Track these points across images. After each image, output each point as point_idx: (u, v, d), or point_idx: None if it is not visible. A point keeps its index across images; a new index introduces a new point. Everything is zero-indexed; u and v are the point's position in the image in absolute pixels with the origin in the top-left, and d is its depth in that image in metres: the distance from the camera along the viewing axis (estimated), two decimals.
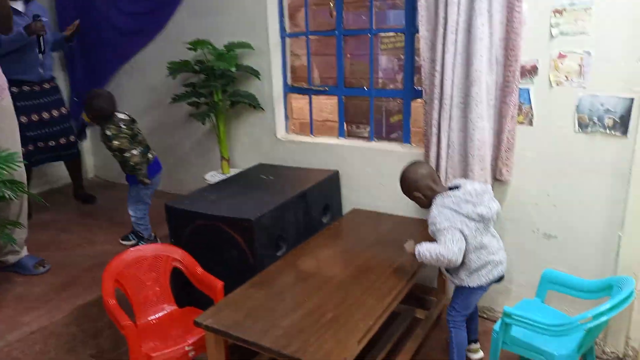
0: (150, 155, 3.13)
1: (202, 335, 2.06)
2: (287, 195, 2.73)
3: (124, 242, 3.25)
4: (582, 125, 2.38)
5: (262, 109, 3.38)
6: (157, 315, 2.41)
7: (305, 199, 2.83)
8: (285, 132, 3.48)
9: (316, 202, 2.93)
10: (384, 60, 5.36)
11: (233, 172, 3.41)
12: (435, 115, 2.64)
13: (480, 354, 2.57)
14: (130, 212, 3.19)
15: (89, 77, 4.27)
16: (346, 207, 3.20)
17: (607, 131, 2.33)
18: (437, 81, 2.59)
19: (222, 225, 2.54)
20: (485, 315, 2.88)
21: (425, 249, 2.12)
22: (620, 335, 2.46)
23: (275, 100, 3.35)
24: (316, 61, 5.49)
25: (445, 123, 2.61)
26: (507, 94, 2.47)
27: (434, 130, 2.66)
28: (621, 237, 2.37)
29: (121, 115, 3.02)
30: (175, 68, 3.29)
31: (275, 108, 3.36)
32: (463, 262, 2.13)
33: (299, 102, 4.09)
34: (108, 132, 2.95)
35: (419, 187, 2.23)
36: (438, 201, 2.15)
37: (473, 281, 2.19)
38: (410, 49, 2.90)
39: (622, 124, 2.29)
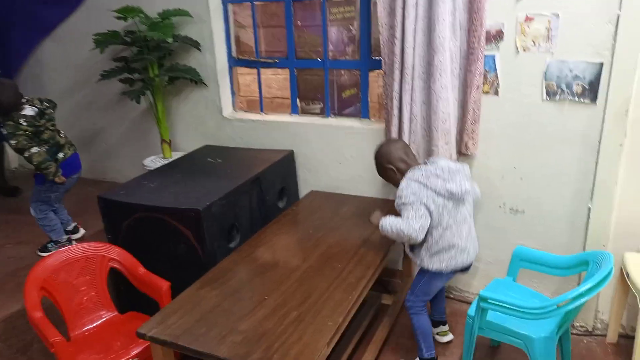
0: (61, 155, 2.74)
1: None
2: (239, 180, 2.47)
3: (42, 254, 2.80)
4: (550, 93, 2.26)
5: (205, 84, 3.06)
6: (94, 324, 2.12)
7: (259, 183, 2.58)
8: (233, 110, 3.19)
9: (271, 185, 2.69)
10: (333, 32, 5.10)
11: (176, 156, 3.10)
12: (396, 86, 2.44)
13: (449, 336, 2.46)
14: (32, 213, 2.79)
15: (1, 56, 3.75)
16: (303, 190, 2.97)
17: (576, 99, 2.21)
18: (397, 49, 2.38)
19: (165, 218, 2.25)
20: (451, 295, 2.78)
21: (387, 223, 2.04)
22: (590, 310, 2.41)
23: (219, 74, 3.03)
24: (261, 34, 5.16)
25: (407, 95, 2.42)
26: (472, 61, 2.30)
27: (395, 103, 2.47)
28: (591, 209, 2.29)
29: (26, 111, 2.60)
30: (103, 40, 2.90)
31: (220, 83, 3.05)
32: (425, 240, 2.03)
33: (245, 78, 3.79)
34: (4, 130, 2.55)
35: (392, 159, 2.12)
36: (408, 174, 2.05)
37: (433, 264, 2.06)
38: (366, 14, 2.67)
39: (591, 91, 2.17)
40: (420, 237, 1.97)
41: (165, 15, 2.81)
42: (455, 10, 2.25)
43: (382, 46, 2.47)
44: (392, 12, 2.38)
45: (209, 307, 1.80)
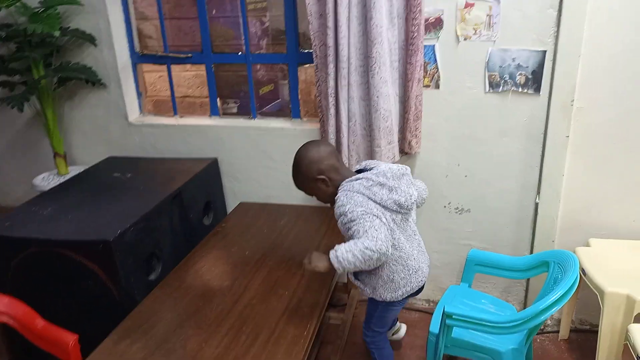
0: None
1: None
2: (156, 198, 2.09)
3: None
4: (493, 85, 2.13)
5: (104, 85, 2.60)
6: None
7: (181, 200, 2.22)
8: (140, 114, 2.76)
9: (194, 201, 2.33)
10: (250, 24, 4.75)
11: (74, 171, 2.62)
12: (331, 82, 2.19)
13: (402, 328, 2.30)
14: None
15: None
16: (231, 202, 2.64)
17: (520, 89, 2.11)
18: (330, 40, 2.13)
19: (66, 253, 1.83)
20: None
21: (343, 251, 1.51)
22: None
23: (121, 72, 2.59)
24: (167, 26, 4.68)
25: (344, 91, 2.18)
26: (412, 52, 2.11)
27: (331, 100, 2.22)
28: (539, 204, 2.21)
29: None
30: None
31: (122, 83, 2.61)
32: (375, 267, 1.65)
33: (151, 75, 3.36)
34: None
35: (322, 169, 1.68)
36: (345, 186, 1.65)
37: (387, 293, 1.73)
38: (291, 2, 2.38)
39: (535, 81, 2.08)
40: (390, 249, 1.55)
41: (49, 3, 2.31)
42: None
43: (312, 37, 2.21)
44: None
45: None
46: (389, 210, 1.62)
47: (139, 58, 2.66)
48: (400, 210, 1.64)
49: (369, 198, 1.61)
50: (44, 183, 2.58)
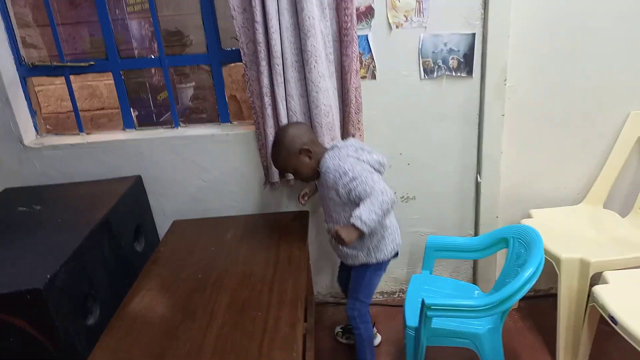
0: None
1: None
2: (82, 230, 1.79)
3: None
4: (428, 71, 2.14)
5: None
6: None
7: (109, 228, 1.93)
8: (37, 135, 2.37)
9: (124, 226, 2.05)
10: (134, 27, 4.36)
11: None
12: (265, 80, 2.04)
13: (378, 338, 2.29)
14: None
15: None
16: (162, 223, 2.37)
17: (453, 74, 2.14)
18: (259, 36, 1.98)
19: None
20: None
21: (367, 214, 1.58)
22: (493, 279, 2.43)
23: (8, 88, 2.19)
24: (47, 34, 4.13)
25: (280, 89, 2.04)
26: (348, 44, 2.03)
27: (267, 100, 2.07)
28: (480, 183, 2.27)
29: None
30: None
31: (11, 101, 2.21)
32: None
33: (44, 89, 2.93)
34: None
35: (305, 141, 1.78)
36: (332, 153, 1.76)
37: (380, 252, 1.85)
38: None
39: (467, 64, 2.12)
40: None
41: None
42: None
43: (237, 34, 2.04)
44: None
45: None
46: (376, 171, 1.75)
47: (29, 71, 2.27)
48: (381, 169, 1.79)
49: (359, 159, 1.72)
50: None
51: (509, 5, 1.99)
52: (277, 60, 2.00)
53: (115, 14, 4.12)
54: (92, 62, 2.28)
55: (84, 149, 2.29)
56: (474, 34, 2.07)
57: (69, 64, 2.26)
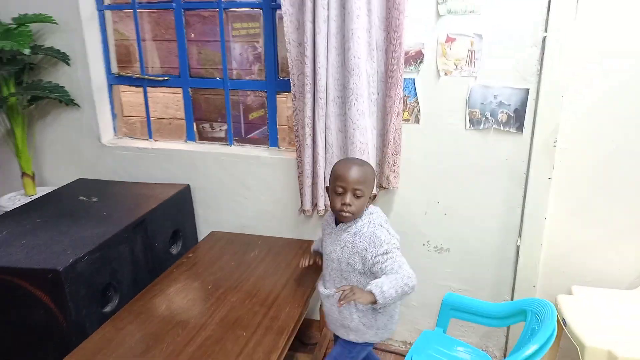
0: None
1: None
2: (117, 226, 1.99)
3: None
4: (474, 122, 2.06)
5: (77, 105, 2.53)
6: None
7: (145, 227, 2.11)
8: (114, 136, 2.68)
9: (161, 228, 2.23)
10: (237, 49, 4.73)
11: (42, 192, 2.52)
12: (308, 112, 2.12)
13: None
14: None
15: None
16: (203, 230, 2.54)
17: (501, 127, 2.04)
18: (308, 70, 2.07)
19: (14, 280, 1.72)
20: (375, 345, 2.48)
21: (386, 285, 1.50)
22: None
23: (95, 93, 2.52)
24: (156, 48, 4.64)
25: (321, 121, 2.11)
26: (392, 85, 2.04)
27: (308, 130, 2.14)
28: (520, 247, 2.11)
29: None
30: None
31: (96, 104, 2.54)
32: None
33: (135, 96, 3.28)
34: None
35: (373, 187, 1.71)
36: (370, 218, 1.66)
37: (387, 332, 1.77)
38: (271, 29, 2.33)
39: (517, 119, 2.01)
40: None
41: (22, 20, 2.26)
42: (372, 28, 1.99)
43: (290, 66, 2.15)
44: (300, 27, 2.07)
45: None
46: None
47: (115, 79, 2.60)
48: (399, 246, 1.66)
49: (388, 231, 1.65)
50: (9, 203, 2.48)
51: (566, 62, 1.86)
52: (321, 94, 2.07)
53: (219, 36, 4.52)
54: (166, 78, 2.53)
55: (149, 153, 2.54)
56: (527, 90, 1.96)
57: (147, 77, 2.53)
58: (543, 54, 1.89)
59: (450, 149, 2.12)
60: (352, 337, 1.76)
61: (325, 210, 2.22)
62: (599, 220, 2.03)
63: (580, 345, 1.74)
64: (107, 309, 1.90)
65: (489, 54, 1.97)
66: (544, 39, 1.87)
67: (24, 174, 2.52)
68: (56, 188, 2.48)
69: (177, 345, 1.59)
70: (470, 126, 2.07)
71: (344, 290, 1.50)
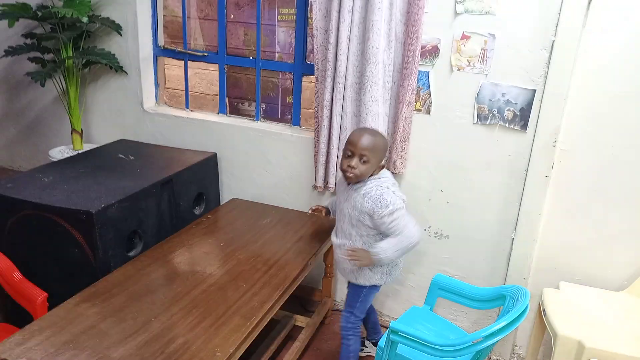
0: None
1: None
2: (148, 181, 2.24)
3: None
4: (481, 117, 2.18)
5: (125, 72, 2.80)
6: None
7: (172, 186, 2.35)
8: (155, 103, 2.94)
9: (187, 189, 2.47)
10: (281, 33, 4.93)
11: (87, 148, 2.81)
12: (327, 95, 2.29)
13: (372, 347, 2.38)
14: None
15: None
16: (226, 196, 2.77)
17: (507, 125, 2.14)
18: (330, 56, 2.24)
19: (54, 218, 1.99)
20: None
21: (390, 250, 1.83)
22: (507, 343, 2.34)
23: (142, 63, 2.78)
24: (205, 27, 4.90)
25: (338, 105, 2.27)
26: (406, 76, 2.18)
27: (326, 112, 2.32)
28: (514, 239, 2.22)
29: None
30: (11, 12, 2.58)
31: (142, 73, 2.80)
32: None
33: (182, 71, 3.54)
34: None
35: (384, 158, 1.92)
36: (377, 182, 1.86)
37: (383, 278, 1.99)
38: (303, 15, 2.50)
39: (522, 118, 2.11)
40: None
41: None
42: (392, 20, 2.13)
43: (315, 51, 2.32)
44: (327, 15, 2.23)
45: (83, 327, 1.56)
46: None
47: (160, 51, 2.85)
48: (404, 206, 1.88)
49: (394, 193, 1.85)
50: (58, 155, 2.79)
51: (571, 68, 1.94)
52: (340, 79, 2.23)
53: (267, 20, 4.73)
54: (205, 53, 2.76)
55: (184, 122, 2.79)
56: (534, 90, 2.05)
57: (188, 51, 2.77)
58: (551, 57, 1.97)
59: (457, 141, 2.24)
60: (360, 281, 2.00)
61: (336, 186, 2.40)
62: (593, 222, 2.11)
63: (554, 333, 1.85)
64: (132, 253, 2.15)
65: (501, 53, 2.07)
66: (553, 43, 1.96)
67: (73, 130, 2.82)
68: (100, 145, 2.76)
69: (184, 287, 1.82)
70: (477, 121, 2.19)
71: (354, 252, 1.87)
